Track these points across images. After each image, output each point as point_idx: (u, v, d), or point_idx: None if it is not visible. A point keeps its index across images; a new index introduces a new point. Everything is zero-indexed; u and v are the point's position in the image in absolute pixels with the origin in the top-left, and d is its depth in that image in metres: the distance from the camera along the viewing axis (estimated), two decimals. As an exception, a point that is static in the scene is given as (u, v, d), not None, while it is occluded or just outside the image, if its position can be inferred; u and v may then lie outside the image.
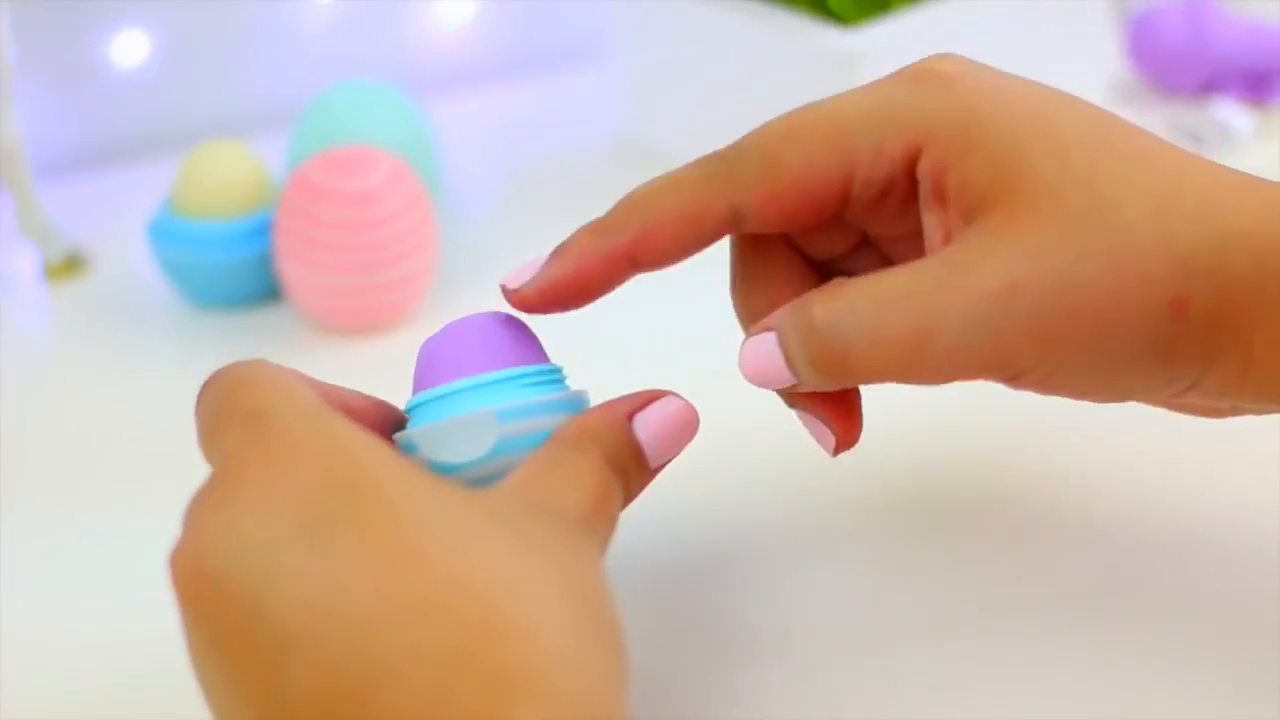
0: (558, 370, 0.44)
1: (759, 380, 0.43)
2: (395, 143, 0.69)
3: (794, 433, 0.46)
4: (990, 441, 0.56)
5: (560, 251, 0.44)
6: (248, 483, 0.37)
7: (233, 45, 0.82)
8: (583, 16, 0.88)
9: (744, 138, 0.44)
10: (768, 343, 0.43)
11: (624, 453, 0.42)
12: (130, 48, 0.80)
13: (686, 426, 0.43)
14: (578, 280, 0.44)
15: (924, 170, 0.43)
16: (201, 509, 0.37)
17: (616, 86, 0.81)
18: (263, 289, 0.68)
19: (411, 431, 0.43)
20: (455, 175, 0.76)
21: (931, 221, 0.43)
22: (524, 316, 0.45)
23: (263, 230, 0.66)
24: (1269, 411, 0.44)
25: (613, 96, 0.81)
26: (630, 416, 0.43)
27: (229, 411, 0.39)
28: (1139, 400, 0.45)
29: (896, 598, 0.50)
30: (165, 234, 0.67)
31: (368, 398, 0.44)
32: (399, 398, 0.45)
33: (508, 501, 0.39)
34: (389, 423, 0.44)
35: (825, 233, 0.46)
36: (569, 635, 0.35)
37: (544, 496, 0.40)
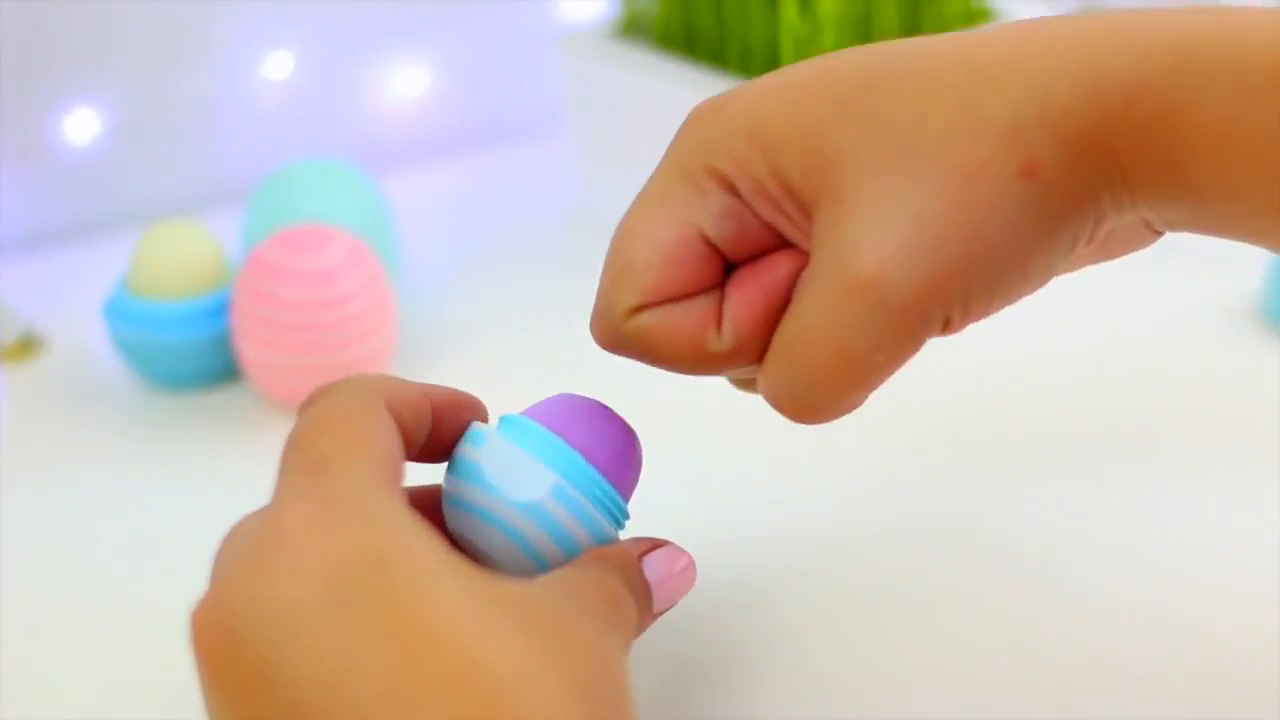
0: (626, 511, 0.45)
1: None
2: (351, 219, 0.69)
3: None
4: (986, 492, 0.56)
5: None
6: (284, 546, 0.37)
7: (186, 122, 0.82)
8: (536, 89, 0.89)
9: (603, 274, 0.44)
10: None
11: (637, 583, 0.43)
12: (82, 125, 0.80)
13: (686, 569, 0.45)
14: None
15: (749, 197, 0.42)
16: (233, 565, 0.37)
17: (571, 159, 0.81)
18: (220, 369, 0.67)
19: (486, 429, 0.44)
20: (411, 250, 0.76)
21: (794, 235, 0.43)
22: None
23: (220, 310, 0.66)
24: (1170, 201, 0.41)
25: (568, 169, 0.81)
26: (640, 557, 0.44)
27: (300, 448, 0.40)
28: (1066, 271, 0.43)
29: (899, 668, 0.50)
30: (121, 314, 0.67)
31: (454, 393, 0.45)
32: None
33: (541, 596, 0.39)
34: (468, 419, 0.45)
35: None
36: None
37: (575, 595, 0.40)
